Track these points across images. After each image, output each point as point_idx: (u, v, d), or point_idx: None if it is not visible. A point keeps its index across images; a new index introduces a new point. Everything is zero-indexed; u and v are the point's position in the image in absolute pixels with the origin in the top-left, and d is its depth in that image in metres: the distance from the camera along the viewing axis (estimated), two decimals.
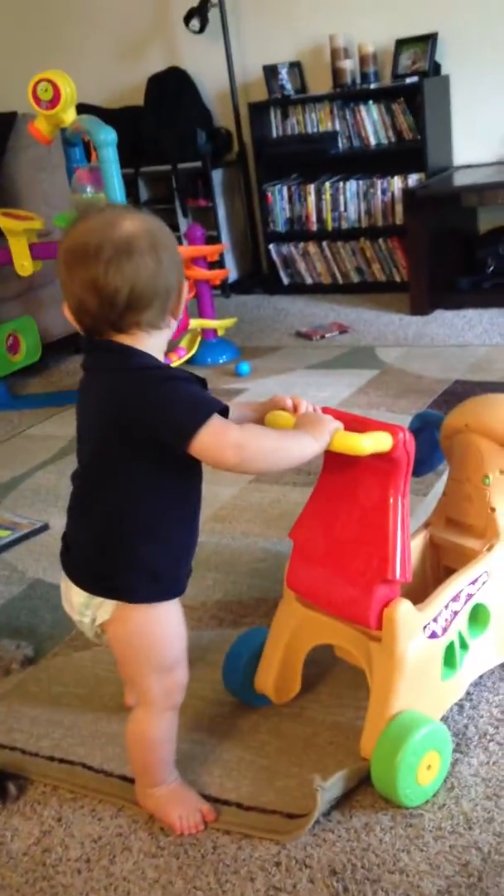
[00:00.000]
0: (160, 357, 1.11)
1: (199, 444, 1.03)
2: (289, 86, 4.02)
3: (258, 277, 4.37)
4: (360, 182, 3.92)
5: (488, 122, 3.77)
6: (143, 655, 1.15)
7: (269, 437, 1.11)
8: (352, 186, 3.94)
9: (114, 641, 1.16)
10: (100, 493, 1.12)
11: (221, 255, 3.93)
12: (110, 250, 1.02)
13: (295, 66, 4.04)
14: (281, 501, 2.11)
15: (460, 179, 3.68)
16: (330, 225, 4.05)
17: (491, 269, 3.62)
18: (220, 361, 3.27)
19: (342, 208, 4.00)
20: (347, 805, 1.20)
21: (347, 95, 3.86)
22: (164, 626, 1.15)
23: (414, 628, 1.20)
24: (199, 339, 3.26)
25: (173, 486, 1.11)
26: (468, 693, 1.38)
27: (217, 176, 4.18)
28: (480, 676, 1.40)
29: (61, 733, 1.42)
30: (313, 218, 4.07)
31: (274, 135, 4.09)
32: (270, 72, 4.00)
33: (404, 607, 1.19)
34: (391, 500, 1.19)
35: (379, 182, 3.87)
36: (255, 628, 1.46)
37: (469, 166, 3.82)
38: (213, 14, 4.00)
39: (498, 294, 3.54)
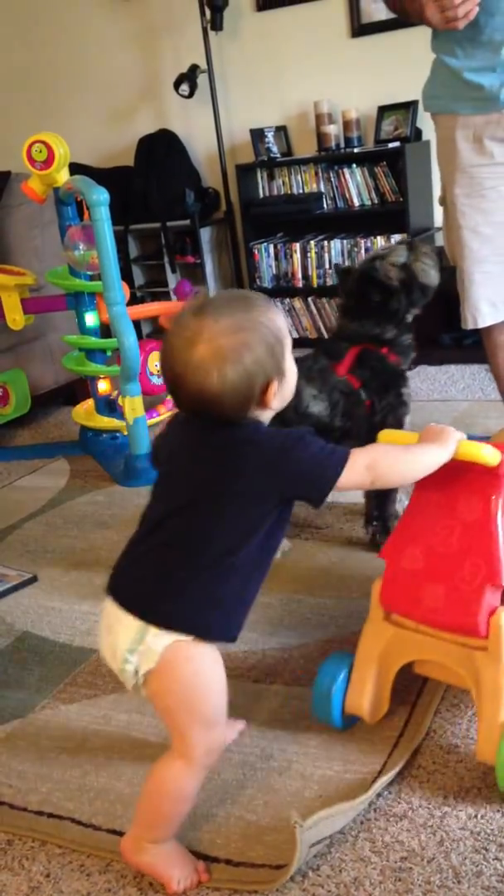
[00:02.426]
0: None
1: (341, 484, 1.12)
2: (275, 148, 4.14)
3: None
4: (345, 241, 4.02)
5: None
6: (190, 706, 1.15)
7: (395, 451, 1.22)
8: (336, 245, 4.04)
9: (158, 692, 1.15)
10: (195, 533, 1.14)
11: None
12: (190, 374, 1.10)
13: (281, 130, 4.18)
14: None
15: (441, 240, 3.77)
16: (315, 282, 4.14)
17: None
18: None
19: (327, 266, 4.09)
20: (337, 859, 1.21)
21: (332, 159, 3.99)
22: (212, 676, 1.16)
23: None
24: None
25: (265, 534, 1.15)
26: (454, 746, 1.39)
27: (205, 234, 4.28)
28: (468, 729, 1.42)
29: (49, 787, 1.42)
30: (299, 275, 4.16)
31: (260, 195, 4.20)
32: (257, 135, 4.13)
33: None
34: (495, 513, 1.28)
35: (363, 241, 3.97)
36: (337, 653, 1.48)
37: None
38: (202, 80, 4.14)
39: (478, 350, 3.56)
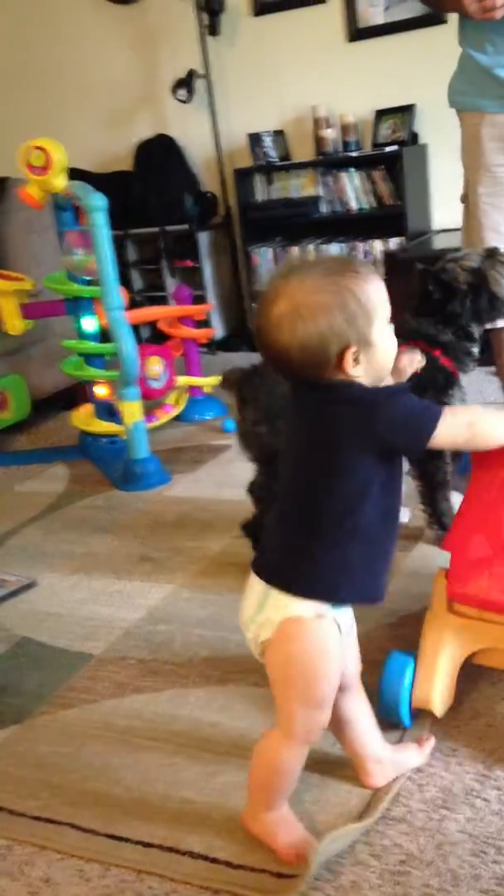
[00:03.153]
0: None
1: (437, 439, 1.12)
2: (273, 153, 4.16)
3: (244, 336, 4.44)
4: (343, 245, 4.03)
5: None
6: (296, 684, 1.17)
7: (493, 414, 1.19)
8: (334, 249, 4.05)
9: (270, 662, 1.18)
10: (309, 497, 1.15)
11: (208, 314, 4.00)
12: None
13: (279, 135, 4.19)
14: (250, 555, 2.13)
15: (439, 243, 3.79)
16: None
17: None
18: (207, 418, 3.32)
19: None
20: (335, 863, 1.20)
21: (329, 163, 4.00)
22: (323, 658, 1.16)
23: None
24: (186, 396, 3.31)
25: (379, 493, 1.15)
26: (453, 750, 1.39)
27: (203, 238, 4.29)
28: (465, 733, 1.42)
29: (48, 793, 1.42)
30: None
31: (258, 199, 4.21)
32: (255, 140, 4.14)
33: None
34: None
35: (361, 245, 3.98)
36: (396, 653, 1.46)
37: (446, 230, 3.94)
38: (200, 84, 4.15)
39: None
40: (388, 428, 1.11)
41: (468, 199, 2.20)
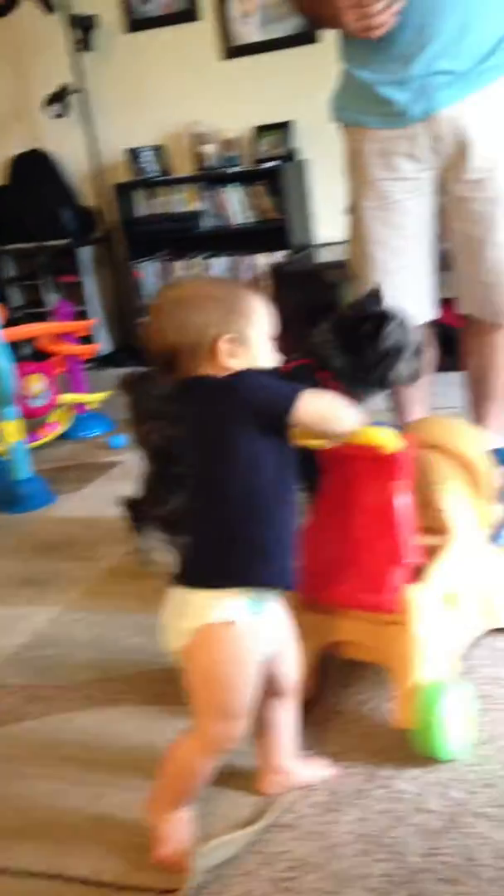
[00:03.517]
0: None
1: (297, 415, 1.15)
2: (153, 168, 4.15)
3: (130, 351, 4.41)
4: (227, 259, 4.06)
5: (344, 203, 3.99)
6: (213, 693, 1.17)
7: (342, 403, 1.23)
8: (219, 263, 4.07)
9: (188, 671, 1.18)
10: (209, 485, 1.19)
11: (92, 330, 3.95)
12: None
13: (158, 150, 4.19)
14: (160, 574, 2.11)
15: (322, 256, 3.87)
16: None
17: None
18: (93, 435, 3.26)
19: None
20: (225, 875, 1.19)
21: (211, 177, 4.02)
22: (236, 668, 1.16)
23: (428, 607, 1.37)
24: (71, 413, 3.25)
25: (274, 470, 1.18)
26: (341, 752, 1.40)
27: (85, 253, 4.24)
28: (352, 735, 1.43)
29: None
30: None
31: (140, 214, 4.20)
32: (134, 154, 4.13)
33: (418, 589, 1.37)
34: (395, 497, 1.36)
35: (245, 259, 4.02)
36: None
37: (329, 244, 4.03)
38: (76, 99, 4.11)
39: None
40: (253, 397, 1.16)
41: (353, 212, 2.23)
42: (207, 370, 1.18)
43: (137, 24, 4.07)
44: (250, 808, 1.31)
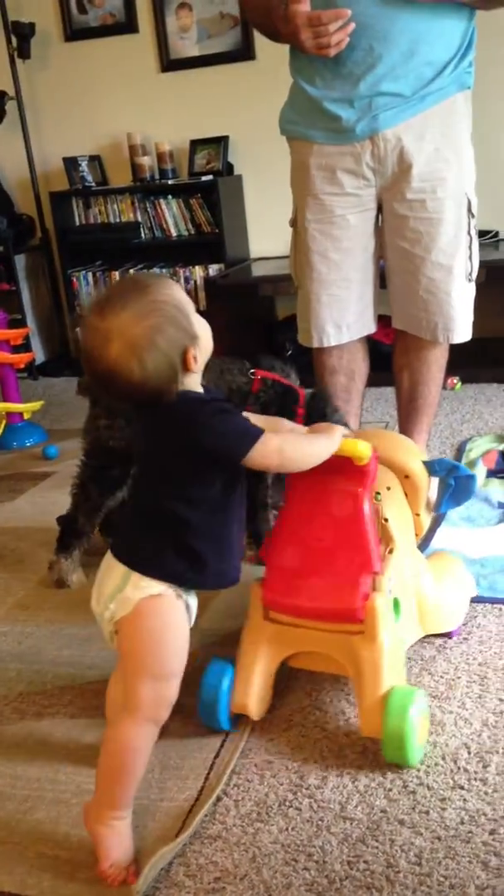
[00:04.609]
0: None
1: (250, 460, 1.23)
2: (89, 177, 4.14)
3: (66, 360, 4.38)
4: (164, 270, 4.07)
5: (278, 219, 4.02)
6: (146, 656, 1.24)
7: (300, 438, 1.35)
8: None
9: (124, 638, 1.25)
10: (162, 494, 1.26)
11: (27, 338, 3.92)
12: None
13: (95, 160, 4.18)
14: (87, 585, 2.10)
15: (257, 270, 3.91)
16: None
17: (290, 352, 3.84)
18: (27, 445, 3.24)
19: None
20: (151, 888, 1.20)
21: (147, 189, 4.04)
22: (175, 633, 1.26)
23: (389, 615, 1.41)
24: (3, 423, 3.22)
25: (223, 487, 1.26)
26: (268, 762, 1.43)
27: (20, 261, 4.20)
28: (281, 744, 1.46)
29: None
30: None
31: (77, 223, 4.18)
32: (71, 164, 4.11)
33: (381, 598, 1.40)
34: (364, 507, 1.41)
35: (181, 271, 4.04)
36: (215, 659, 1.50)
37: (264, 258, 4.08)
38: (11, 106, 4.08)
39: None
40: (210, 442, 1.21)
41: (297, 224, 2.27)
42: (176, 386, 1.21)
43: (76, 33, 4.07)
44: (162, 812, 1.33)
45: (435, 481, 1.65)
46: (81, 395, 2.12)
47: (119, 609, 1.24)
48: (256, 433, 1.23)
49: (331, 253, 2.20)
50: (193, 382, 1.25)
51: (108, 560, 1.28)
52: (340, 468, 1.38)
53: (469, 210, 2.18)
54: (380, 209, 2.21)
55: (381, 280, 2.32)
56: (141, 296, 1.17)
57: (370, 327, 2.33)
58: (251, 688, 1.47)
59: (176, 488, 1.25)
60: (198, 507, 1.25)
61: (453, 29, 2.03)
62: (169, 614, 1.25)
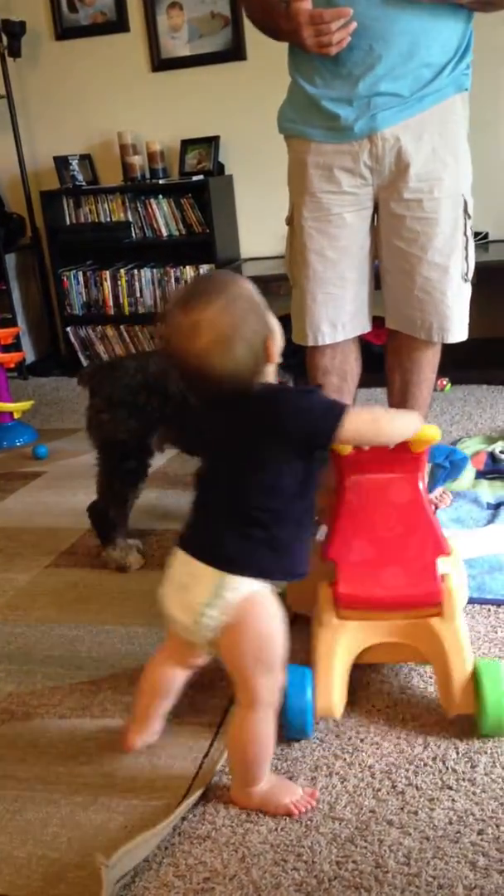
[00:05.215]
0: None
1: (344, 433, 1.25)
2: (80, 176, 4.14)
3: (56, 360, 4.38)
4: (154, 270, 4.07)
5: (269, 220, 4.05)
6: (260, 654, 1.27)
7: (391, 413, 1.38)
8: (146, 274, 4.08)
9: (232, 642, 1.27)
10: (247, 489, 1.27)
11: (17, 338, 3.91)
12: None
13: (86, 159, 4.18)
14: (78, 585, 2.11)
15: (248, 271, 3.91)
16: (127, 309, 4.15)
17: None
18: (17, 444, 3.23)
19: (138, 294, 4.12)
20: (141, 888, 1.21)
21: (138, 189, 4.03)
22: (280, 624, 1.28)
23: (462, 593, 1.47)
24: None
25: (305, 477, 1.28)
26: None
27: (10, 260, 4.19)
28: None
29: None
30: (110, 302, 4.16)
31: (67, 222, 4.17)
32: (61, 163, 4.10)
33: (454, 578, 1.45)
34: (422, 491, 1.44)
35: (172, 271, 4.03)
36: (291, 667, 1.42)
37: (255, 259, 4.08)
38: (1, 104, 4.07)
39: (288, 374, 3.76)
40: (300, 421, 1.24)
41: (292, 221, 2.28)
42: (260, 376, 1.25)
43: (66, 32, 4.06)
44: (150, 812, 1.33)
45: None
46: (81, 385, 2.14)
47: (222, 614, 1.25)
48: (343, 405, 1.26)
49: (327, 251, 2.21)
50: (271, 374, 1.28)
51: (188, 563, 1.29)
52: (391, 457, 1.42)
53: (465, 211, 2.19)
54: (376, 209, 2.22)
55: (376, 281, 2.32)
56: (222, 290, 1.23)
57: (365, 326, 2.33)
58: (334, 690, 1.45)
59: (259, 480, 1.26)
60: (281, 498, 1.27)
61: (452, 31, 2.04)
62: (272, 607, 1.28)
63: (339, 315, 2.26)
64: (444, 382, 3.46)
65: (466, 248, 2.22)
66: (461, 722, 1.47)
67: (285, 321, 2.42)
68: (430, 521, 1.45)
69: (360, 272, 2.26)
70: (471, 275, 2.25)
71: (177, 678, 1.43)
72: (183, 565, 1.30)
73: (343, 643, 1.47)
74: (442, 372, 2.83)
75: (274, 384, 1.29)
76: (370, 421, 1.29)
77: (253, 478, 1.27)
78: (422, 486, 1.46)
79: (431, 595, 1.43)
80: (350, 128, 2.09)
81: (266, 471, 1.26)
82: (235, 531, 1.27)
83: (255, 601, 1.26)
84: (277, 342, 1.27)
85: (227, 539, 1.27)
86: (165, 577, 1.34)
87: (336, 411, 1.24)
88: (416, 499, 1.45)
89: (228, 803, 1.35)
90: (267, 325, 1.25)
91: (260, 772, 1.32)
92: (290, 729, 1.44)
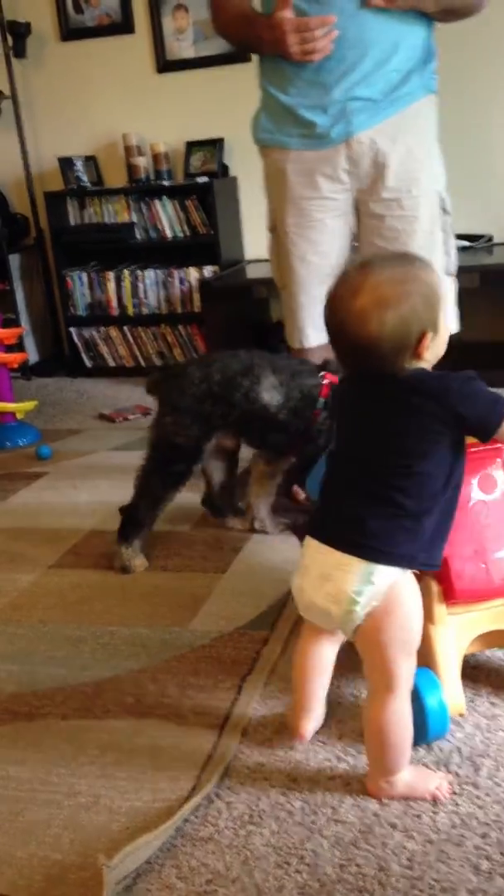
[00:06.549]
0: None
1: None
2: (85, 178, 4.14)
3: (60, 360, 4.38)
4: (158, 272, 4.07)
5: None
6: (405, 640, 1.26)
7: None
8: (150, 275, 4.08)
9: (379, 627, 1.25)
10: (393, 478, 1.24)
11: (21, 338, 3.91)
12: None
13: (90, 160, 4.18)
14: (81, 586, 2.10)
15: (252, 273, 3.91)
16: (131, 311, 4.15)
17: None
18: (20, 444, 3.23)
19: (142, 295, 4.12)
20: (143, 889, 1.20)
21: (143, 190, 4.03)
22: (420, 610, 1.28)
23: None
24: None
25: (451, 467, 1.26)
26: (261, 764, 1.43)
27: (14, 260, 4.19)
28: (273, 747, 1.46)
29: None
30: (114, 304, 4.16)
31: (72, 223, 4.18)
32: (66, 164, 4.11)
33: None
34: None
35: (176, 272, 4.03)
36: (419, 671, 1.39)
37: (259, 260, 4.08)
38: (6, 105, 4.08)
39: None
40: (465, 407, 1.20)
41: (276, 229, 2.32)
42: (404, 363, 1.22)
43: (72, 33, 4.06)
44: (153, 813, 1.32)
45: None
46: (150, 393, 2.19)
47: (373, 601, 1.24)
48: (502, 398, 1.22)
49: (310, 256, 2.28)
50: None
51: (328, 553, 1.27)
52: (480, 452, 1.41)
53: (443, 207, 2.26)
54: (356, 212, 2.28)
55: None
56: (406, 266, 1.23)
57: None
58: (458, 687, 1.46)
59: (408, 466, 1.23)
60: (429, 486, 1.24)
61: (418, 38, 2.13)
62: (415, 594, 1.27)
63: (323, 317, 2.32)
64: None
65: (446, 244, 2.29)
66: (465, 725, 1.47)
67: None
68: None
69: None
70: (453, 269, 2.32)
71: (327, 654, 1.42)
72: (322, 554, 1.28)
73: (455, 639, 1.48)
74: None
75: (432, 372, 1.25)
76: None
77: (402, 462, 1.23)
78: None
79: None
80: (327, 134, 2.16)
81: (417, 456, 1.23)
82: (381, 519, 1.24)
83: (402, 586, 1.25)
84: (436, 345, 1.24)
85: (372, 527, 1.24)
86: (299, 569, 1.32)
87: (501, 406, 1.22)
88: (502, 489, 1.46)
89: (230, 804, 1.35)
90: (432, 321, 1.21)
91: (403, 758, 1.30)
92: (430, 732, 1.41)
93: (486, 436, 1.24)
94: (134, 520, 2.15)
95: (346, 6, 2.02)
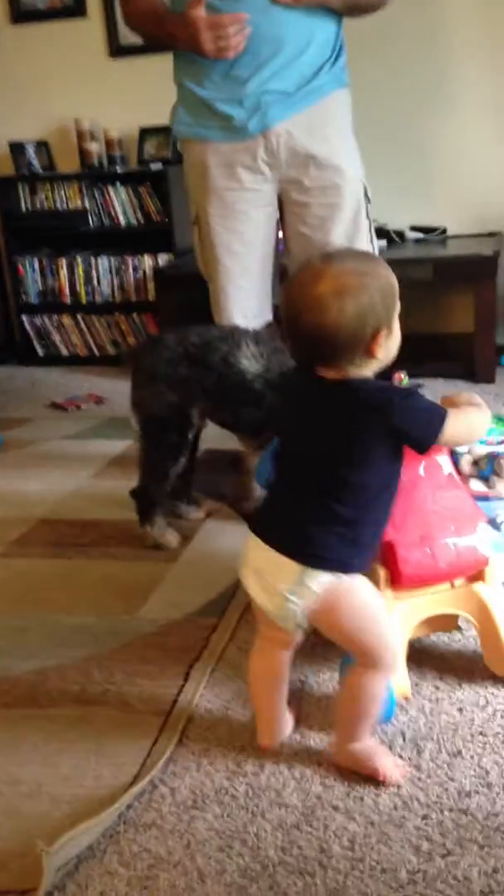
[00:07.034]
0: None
1: (442, 438, 1.25)
2: (36, 163, 4.08)
3: (11, 348, 4.32)
4: (112, 259, 4.02)
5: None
6: (366, 630, 1.28)
7: (473, 413, 1.33)
8: (104, 263, 4.04)
9: (330, 626, 1.30)
10: (332, 482, 1.25)
11: None
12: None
13: (42, 145, 4.12)
14: (28, 575, 2.08)
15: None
16: (84, 298, 4.11)
17: None
18: None
19: (95, 283, 4.08)
20: (84, 875, 1.19)
21: (96, 176, 3.98)
22: (372, 601, 1.30)
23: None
24: None
25: (388, 476, 1.29)
26: (206, 749, 1.43)
27: None
28: (221, 732, 1.46)
29: None
30: (67, 291, 4.12)
31: (23, 209, 4.11)
32: (17, 148, 4.04)
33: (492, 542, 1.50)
34: (452, 468, 1.50)
35: (130, 259, 4.00)
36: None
37: None
38: None
39: None
40: (404, 421, 1.22)
41: (199, 220, 2.36)
42: (353, 362, 1.23)
43: (23, 16, 3.99)
44: (96, 800, 1.32)
45: None
46: (123, 363, 2.19)
47: (306, 601, 1.25)
48: (444, 410, 1.25)
49: (235, 245, 2.34)
50: (367, 373, 1.26)
51: (266, 550, 1.28)
52: None
53: (366, 195, 2.34)
54: (280, 202, 2.34)
55: (282, 275, 2.44)
56: (368, 261, 1.26)
57: (268, 316, 2.43)
58: (403, 670, 1.50)
59: (351, 476, 1.24)
60: (368, 498, 1.26)
61: (327, 33, 2.20)
62: (360, 588, 1.28)
63: (249, 306, 2.40)
64: (402, 376, 3.48)
65: (370, 231, 2.36)
66: (409, 709, 1.48)
67: None
68: (468, 493, 1.53)
69: (265, 264, 2.39)
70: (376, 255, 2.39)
71: (283, 661, 1.41)
72: (261, 551, 1.29)
73: (403, 622, 1.50)
74: (399, 365, 2.85)
75: (376, 381, 1.27)
76: (465, 426, 1.30)
77: (345, 473, 1.24)
78: (449, 461, 1.50)
79: (473, 563, 1.48)
80: (244, 127, 2.22)
81: (359, 467, 1.24)
82: (320, 527, 1.25)
83: (342, 588, 1.26)
84: (388, 346, 1.25)
85: (311, 533, 1.25)
86: (242, 560, 1.33)
87: (440, 415, 1.24)
88: (450, 476, 1.48)
89: (174, 790, 1.34)
90: (388, 319, 1.23)
91: (363, 729, 1.33)
92: (386, 716, 1.44)
93: (421, 449, 1.27)
94: (147, 500, 2.16)
95: (257, 2, 2.06)
